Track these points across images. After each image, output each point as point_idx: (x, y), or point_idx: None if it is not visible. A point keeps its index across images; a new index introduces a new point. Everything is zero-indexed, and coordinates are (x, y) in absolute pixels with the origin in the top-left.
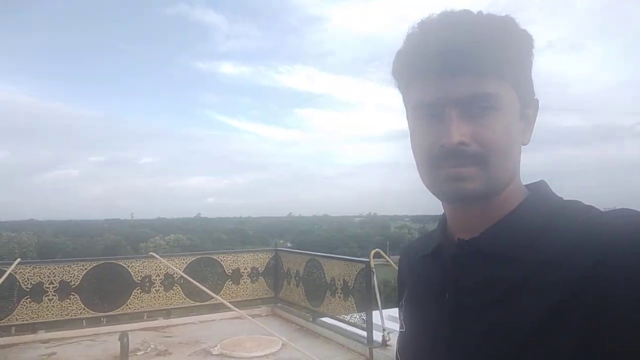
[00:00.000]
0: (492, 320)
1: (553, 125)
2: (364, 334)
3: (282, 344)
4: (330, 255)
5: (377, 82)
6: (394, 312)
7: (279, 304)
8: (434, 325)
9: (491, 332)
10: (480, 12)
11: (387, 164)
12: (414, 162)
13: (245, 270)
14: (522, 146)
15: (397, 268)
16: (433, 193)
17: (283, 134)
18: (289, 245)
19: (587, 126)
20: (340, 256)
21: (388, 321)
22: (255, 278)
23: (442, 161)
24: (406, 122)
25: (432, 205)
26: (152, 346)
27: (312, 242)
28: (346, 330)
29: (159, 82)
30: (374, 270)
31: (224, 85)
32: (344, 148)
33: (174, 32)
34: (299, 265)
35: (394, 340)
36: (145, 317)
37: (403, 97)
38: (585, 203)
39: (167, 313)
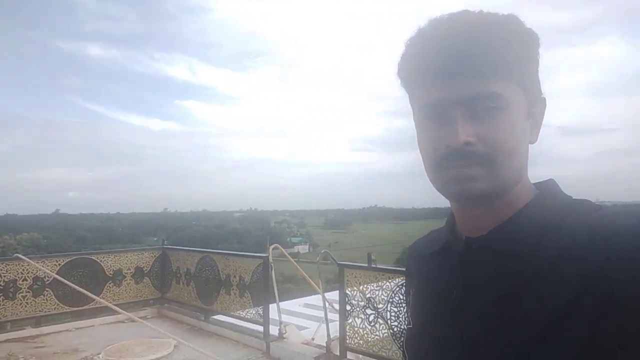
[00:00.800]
0: (499, 318)
1: None
2: (261, 328)
3: (175, 346)
4: (227, 252)
5: (262, 77)
6: (291, 305)
7: (166, 305)
8: (441, 322)
9: (499, 329)
10: (484, 12)
11: (268, 160)
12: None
13: (128, 271)
14: (530, 145)
15: (293, 262)
16: (440, 193)
17: (159, 125)
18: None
19: None
20: (238, 252)
21: (284, 315)
22: (139, 279)
23: (449, 162)
24: (409, 122)
25: (310, 200)
26: (21, 358)
27: (189, 238)
28: (242, 326)
29: (9, 60)
30: (272, 264)
31: (90, 68)
32: (226, 142)
33: (26, 3)
34: (190, 263)
35: (290, 333)
36: (9, 328)
37: (409, 98)
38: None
39: (37, 321)
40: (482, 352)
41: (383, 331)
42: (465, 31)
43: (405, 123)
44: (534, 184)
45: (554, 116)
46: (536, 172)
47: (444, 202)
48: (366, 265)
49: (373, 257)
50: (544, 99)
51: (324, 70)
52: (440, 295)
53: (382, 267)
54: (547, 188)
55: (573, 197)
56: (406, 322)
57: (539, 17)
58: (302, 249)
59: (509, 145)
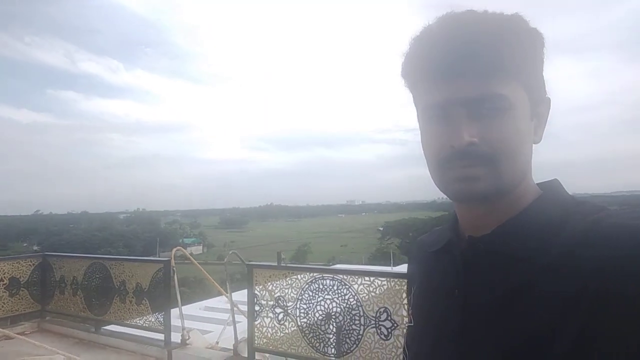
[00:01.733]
0: (500, 318)
1: (315, 130)
2: (162, 336)
3: None
4: (122, 257)
5: (150, 69)
6: (190, 309)
7: (48, 318)
8: (443, 320)
9: (499, 329)
10: (487, 12)
11: (158, 157)
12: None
13: (1, 282)
14: (534, 145)
15: (197, 265)
16: (444, 193)
17: (29, 117)
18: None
19: (338, 132)
20: (136, 257)
21: (185, 320)
22: (15, 291)
23: (452, 162)
24: (416, 122)
25: (205, 199)
26: None
27: (66, 243)
28: (140, 335)
29: None
30: (175, 269)
31: None
32: (110, 137)
33: None
34: (77, 271)
35: (194, 338)
36: None
37: (413, 98)
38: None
39: None
40: (483, 352)
41: (292, 329)
42: (469, 31)
43: (299, 123)
44: (538, 184)
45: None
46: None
47: (337, 200)
48: (276, 264)
49: (283, 256)
50: (549, 99)
51: (222, 65)
52: (441, 294)
53: (292, 265)
54: (551, 188)
55: (576, 197)
56: (408, 320)
57: None
58: (196, 249)
59: (512, 146)
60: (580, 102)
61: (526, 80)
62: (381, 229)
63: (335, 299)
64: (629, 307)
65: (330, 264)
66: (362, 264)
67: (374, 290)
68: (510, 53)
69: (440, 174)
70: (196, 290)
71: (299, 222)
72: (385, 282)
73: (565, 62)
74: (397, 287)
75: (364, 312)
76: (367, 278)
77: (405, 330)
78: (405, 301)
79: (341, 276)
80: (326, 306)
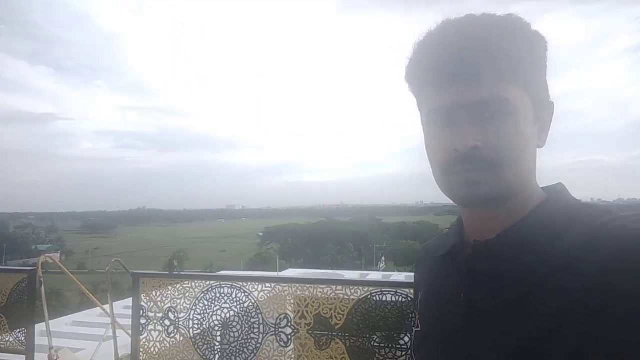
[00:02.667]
0: (504, 323)
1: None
2: (23, 358)
3: None
4: None
5: (6, 50)
6: (55, 325)
7: None
8: (448, 324)
9: (502, 334)
10: (490, 15)
11: (8, 152)
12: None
13: None
14: (538, 149)
15: (70, 275)
16: (448, 197)
17: None
18: None
19: (219, 134)
20: None
21: (54, 338)
22: None
23: (456, 166)
24: (418, 127)
25: (65, 200)
26: None
27: None
28: None
29: None
30: (42, 279)
31: None
32: None
33: None
34: None
35: (63, 358)
36: None
37: (417, 102)
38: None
39: None
40: (487, 357)
41: (184, 342)
42: (472, 36)
43: (181, 122)
44: (543, 187)
45: (314, 128)
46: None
47: (216, 204)
48: (167, 272)
49: (175, 264)
50: (552, 103)
51: (96, 51)
52: (446, 299)
53: (187, 273)
54: (556, 192)
55: (582, 201)
56: (414, 324)
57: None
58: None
59: (515, 150)
60: None
61: (529, 85)
62: (261, 234)
63: (233, 308)
64: (633, 311)
65: (208, 270)
66: (240, 270)
67: (275, 296)
68: (514, 57)
69: (445, 178)
70: (56, 304)
71: (174, 227)
72: (287, 288)
73: None
74: (299, 293)
75: (263, 320)
76: (268, 284)
77: (412, 336)
78: (308, 307)
79: (241, 283)
80: (223, 316)
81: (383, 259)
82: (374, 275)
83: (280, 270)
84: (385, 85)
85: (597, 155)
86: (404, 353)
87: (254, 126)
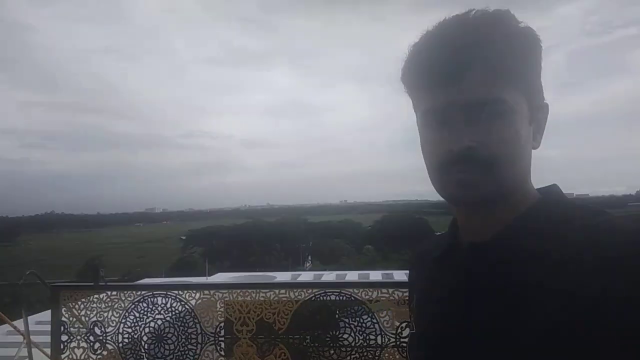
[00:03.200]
0: (501, 323)
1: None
2: None
3: None
4: None
5: None
6: None
7: None
8: (445, 326)
9: (501, 335)
10: (486, 16)
11: None
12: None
13: None
14: (533, 150)
15: None
16: (443, 197)
17: None
18: None
19: (137, 133)
20: None
21: None
22: None
23: (451, 166)
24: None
25: None
26: None
27: None
28: None
29: None
30: None
31: None
32: None
33: None
34: None
35: None
36: None
37: (413, 103)
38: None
39: None
40: (486, 358)
41: (112, 357)
42: (467, 36)
43: (95, 120)
44: (538, 189)
45: (239, 129)
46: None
47: (134, 207)
48: (92, 283)
49: (101, 273)
50: (547, 105)
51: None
52: (443, 300)
53: (115, 283)
54: (550, 193)
55: (575, 202)
56: (410, 327)
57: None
58: None
59: (510, 151)
60: (364, 123)
61: (525, 85)
62: (184, 237)
63: (168, 318)
64: (629, 309)
65: (126, 278)
66: (161, 276)
67: (214, 303)
68: (509, 58)
69: (440, 178)
70: None
71: (87, 233)
72: (226, 294)
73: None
74: (240, 299)
75: (201, 329)
76: (206, 292)
77: (408, 338)
78: (250, 312)
79: (176, 292)
80: (157, 327)
81: (309, 258)
82: (306, 276)
83: (208, 275)
84: (306, 87)
85: None
86: (349, 351)
87: (173, 125)
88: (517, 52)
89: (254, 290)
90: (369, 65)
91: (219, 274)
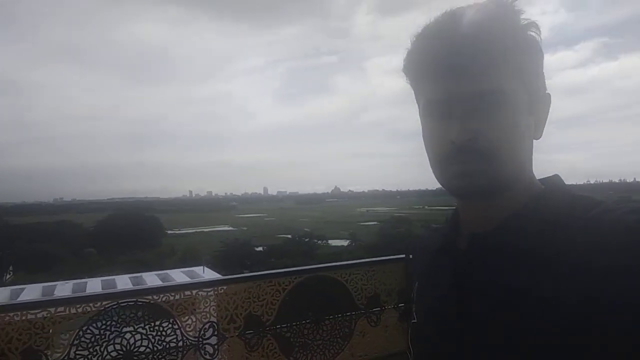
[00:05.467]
0: (501, 314)
1: None
2: None
3: None
4: None
5: None
6: None
7: None
8: (445, 316)
9: (501, 325)
10: (487, 6)
11: None
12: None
13: None
14: (535, 141)
15: None
16: (444, 188)
17: None
18: None
19: None
20: None
21: None
22: None
23: (451, 158)
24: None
25: None
26: None
27: None
28: None
29: None
30: None
31: None
32: None
33: None
34: None
35: None
36: None
37: (415, 94)
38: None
39: None
40: (486, 348)
41: None
42: (468, 28)
43: None
44: (540, 179)
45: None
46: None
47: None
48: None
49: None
50: (549, 95)
51: None
52: (443, 290)
53: (62, 296)
54: (552, 184)
55: (577, 193)
56: (411, 317)
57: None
58: None
59: (511, 142)
60: (85, 112)
61: (525, 76)
62: None
63: (139, 330)
64: (628, 302)
65: None
66: None
67: (198, 304)
68: (510, 48)
69: (441, 169)
70: None
71: None
72: (212, 292)
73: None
74: (229, 296)
75: (182, 335)
76: (187, 292)
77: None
78: (238, 308)
79: (150, 297)
80: (125, 343)
81: (11, 269)
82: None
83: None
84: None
85: (229, 155)
86: (329, 330)
87: None
88: (518, 42)
89: (244, 283)
90: (91, 48)
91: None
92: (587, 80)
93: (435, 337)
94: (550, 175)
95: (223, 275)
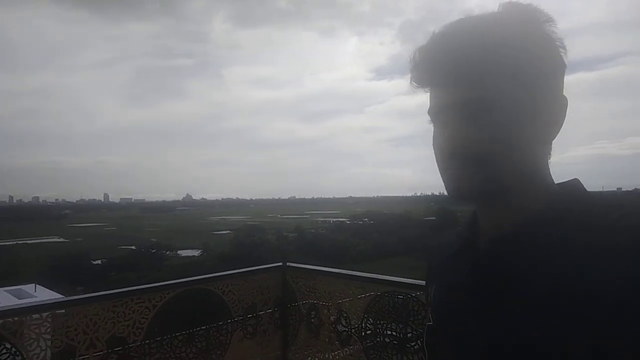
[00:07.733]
0: (516, 318)
1: None
2: None
3: None
4: None
5: None
6: None
7: None
8: (461, 319)
9: (517, 329)
10: (492, 15)
11: None
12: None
13: None
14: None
15: None
16: (446, 192)
17: None
18: None
19: None
20: None
21: None
22: None
23: (447, 163)
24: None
25: None
26: None
27: None
28: None
29: None
30: None
31: None
32: None
33: None
34: None
35: None
36: None
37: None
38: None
39: None
40: (500, 351)
41: None
42: (466, 38)
43: None
44: (558, 183)
45: None
46: None
47: None
48: None
49: None
50: (565, 97)
51: None
52: (460, 293)
53: None
54: (570, 188)
55: (594, 197)
56: (427, 319)
57: None
58: None
59: (504, 146)
60: None
61: (528, 81)
62: None
63: None
64: (633, 320)
65: None
66: None
67: (45, 328)
68: (508, 54)
69: (441, 175)
70: None
71: None
72: (62, 313)
73: None
74: (89, 317)
75: None
76: (36, 315)
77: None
78: (99, 331)
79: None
80: None
81: None
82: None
83: None
84: None
85: (62, 157)
86: (203, 342)
87: None
88: (516, 47)
89: (110, 302)
90: None
91: None
92: None
93: (451, 340)
94: (570, 179)
95: (61, 294)
